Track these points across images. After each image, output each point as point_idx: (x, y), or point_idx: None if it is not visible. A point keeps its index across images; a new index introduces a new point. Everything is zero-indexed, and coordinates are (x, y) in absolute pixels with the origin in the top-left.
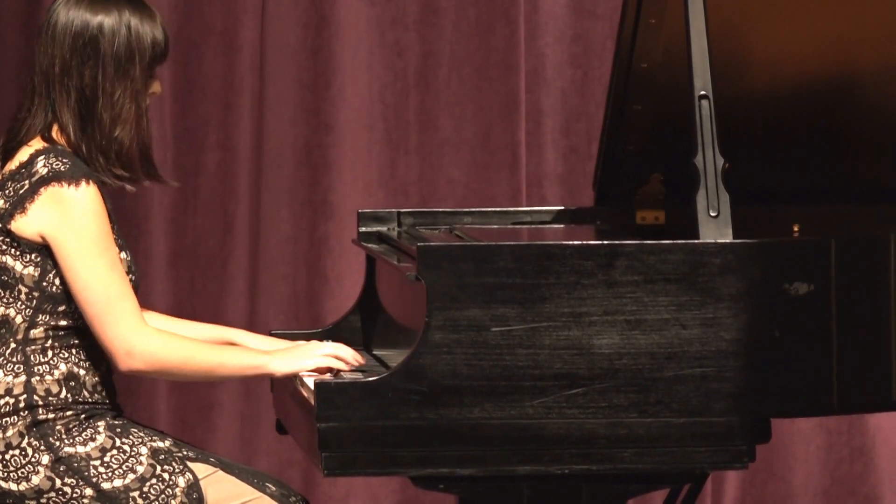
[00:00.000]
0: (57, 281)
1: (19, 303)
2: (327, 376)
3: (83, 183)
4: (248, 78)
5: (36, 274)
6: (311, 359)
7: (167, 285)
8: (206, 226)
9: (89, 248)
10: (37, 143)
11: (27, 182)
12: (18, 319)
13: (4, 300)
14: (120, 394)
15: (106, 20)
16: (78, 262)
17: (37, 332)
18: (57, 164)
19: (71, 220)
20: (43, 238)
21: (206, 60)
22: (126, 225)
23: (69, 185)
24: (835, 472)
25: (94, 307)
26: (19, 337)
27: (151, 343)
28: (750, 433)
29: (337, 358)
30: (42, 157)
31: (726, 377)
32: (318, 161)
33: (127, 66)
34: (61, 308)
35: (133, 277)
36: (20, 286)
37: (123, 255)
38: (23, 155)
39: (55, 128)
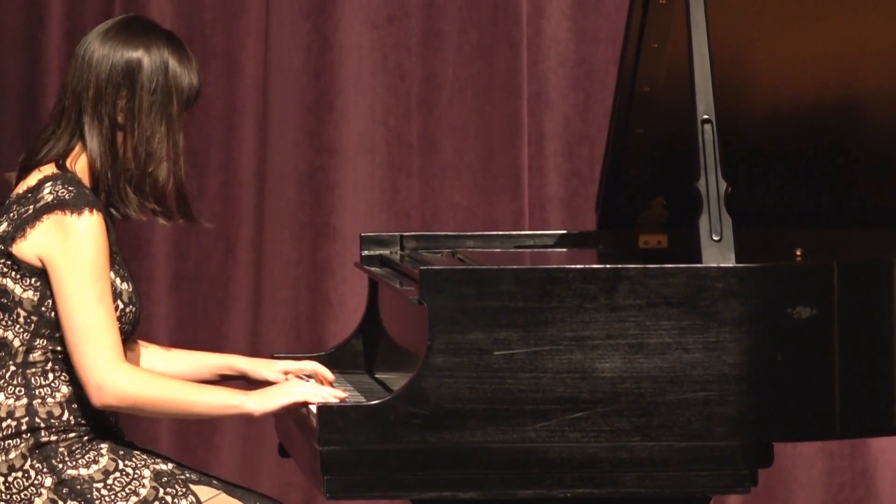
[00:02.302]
0: (55, 307)
1: (17, 326)
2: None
3: (86, 211)
4: (250, 101)
5: (35, 298)
6: (288, 396)
7: (169, 308)
8: (209, 248)
9: (81, 275)
10: (48, 170)
11: (31, 207)
12: (16, 343)
13: (3, 323)
14: (122, 416)
15: (145, 51)
16: (68, 288)
17: (35, 356)
18: (63, 192)
19: (69, 245)
20: (41, 261)
21: (208, 83)
22: (128, 248)
23: (72, 213)
24: (837, 496)
25: (75, 336)
26: (18, 360)
27: (123, 379)
28: (752, 457)
29: (316, 394)
30: (50, 183)
31: (728, 401)
32: (321, 184)
33: (164, 104)
34: (58, 333)
35: (134, 309)
36: (19, 309)
37: (125, 285)
38: (32, 180)
39: (72, 155)
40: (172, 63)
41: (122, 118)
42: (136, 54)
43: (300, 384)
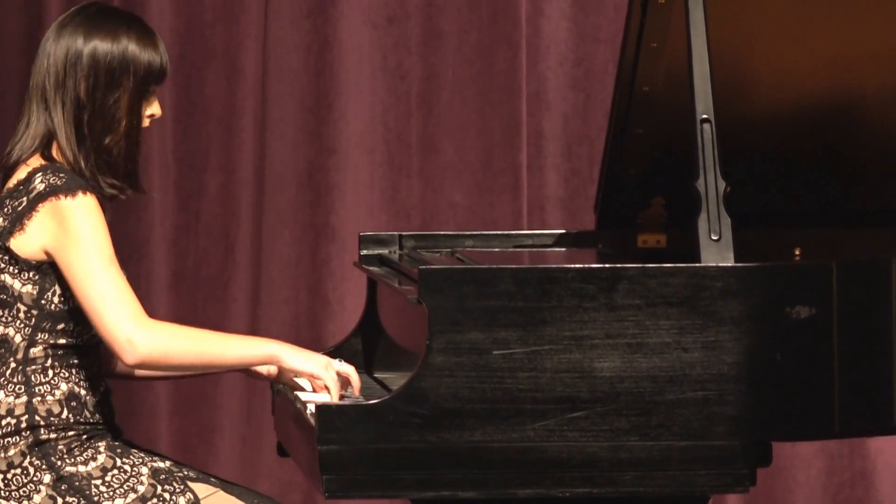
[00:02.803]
0: (56, 299)
1: (18, 321)
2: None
3: (79, 193)
4: (250, 101)
5: (34, 292)
6: (320, 367)
7: (168, 308)
8: (208, 248)
9: (86, 247)
10: (35, 162)
11: (25, 199)
12: (18, 338)
13: (3, 319)
14: (120, 415)
15: (99, 32)
16: (76, 263)
17: (36, 351)
18: (54, 180)
19: (68, 225)
20: (46, 253)
21: (208, 83)
22: (127, 247)
23: (66, 196)
24: (836, 496)
25: (93, 303)
26: (19, 356)
27: (153, 329)
28: (751, 457)
29: (344, 380)
30: (39, 174)
31: (728, 401)
32: (320, 184)
33: (120, 77)
34: (60, 326)
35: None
36: (19, 304)
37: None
38: (21, 173)
39: (55, 146)
40: (129, 39)
41: (84, 100)
42: (93, 36)
43: (333, 365)
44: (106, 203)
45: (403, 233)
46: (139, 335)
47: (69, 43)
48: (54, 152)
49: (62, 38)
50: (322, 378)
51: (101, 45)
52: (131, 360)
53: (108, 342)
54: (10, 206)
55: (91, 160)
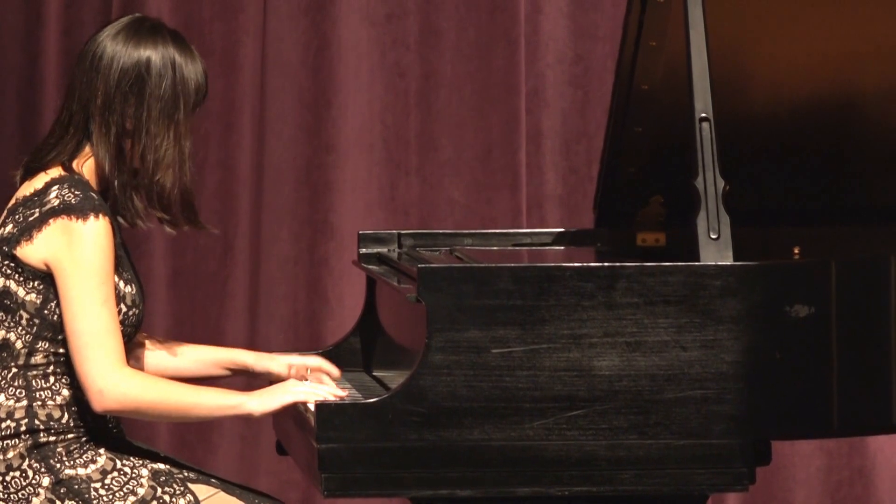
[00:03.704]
0: (58, 310)
1: (20, 328)
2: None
3: (91, 217)
4: (248, 98)
5: (38, 301)
6: (288, 395)
7: (167, 305)
8: (207, 246)
9: (86, 280)
10: (54, 172)
11: (37, 210)
12: (19, 345)
13: (6, 324)
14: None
15: (153, 56)
16: (72, 292)
17: (37, 358)
18: (69, 196)
19: (74, 250)
20: (47, 265)
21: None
22: (126, 245)
23: (78, 218)
24: (835, 494)
25: (78, 340)
26: (20, 362)
27: (124, 384)
28: (750, 455)
29: (315, 393)
30: (56, 186)
31: (726, 399)
32: (319, 181)
33: (172, 110)
34: (60, 336)
35: (137, 311)
36: (22, 311)
37: (129, 288)
38: (38, 182)
39: (79, 156)
40: (180, 66)
41: (130, 125)
42: (145, 54)
43: (299, 384)
44: (117, 225)
45: (402, 231)
46: (111, 388)
47: (121, 61)
48: (76, 163)
49: (112, 53)
50: (300, 399)
51: (154, 69)
52: (98, 409)
53: (81, 385)
54: (21, 215)
55: (129, 189)
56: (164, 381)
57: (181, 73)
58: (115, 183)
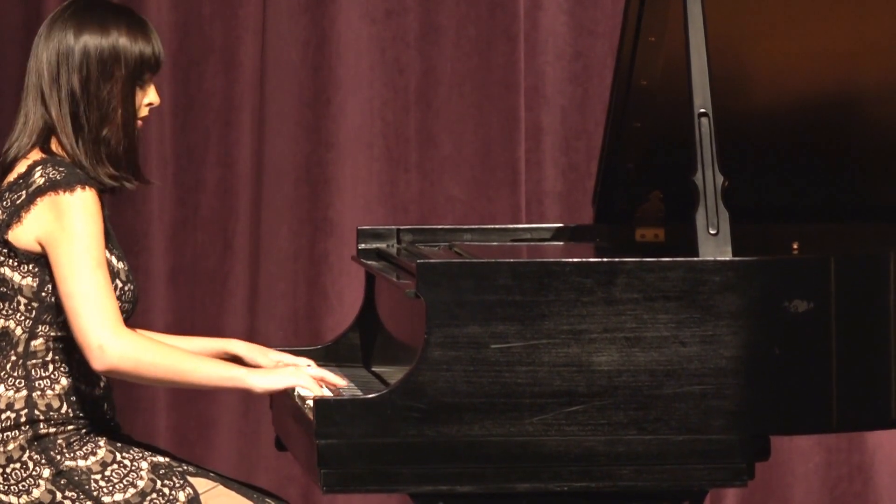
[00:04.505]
0: (55, 291)
1: (18, 314)
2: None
3: (78, 188)
4: (248, 95)
5: (34, 284)
6: (290, 378)
7: (167, 302)
8: (206, 242)
9: (77, 245)
10: (35, 156)
11: (24, 192)
12: (18, 331)
13: (4, 312)
14: (119, 409)
15: (89, 24)
16: (64, 258)
17: (37, 344)
18: (53, 174)
19: (64, 220)
20: (40, 244)
21: (206, 77)
22: (126, 241)
23: (65, 191)
24: (834, 489)
25: (73, 301)
26: (20, 349)
27: (124, 340)
28: (749, 451)
29: (317, 380)
30: (39, 167)
31: (725, 395)
32: (318, 178)
33: (112, 67)
34: (61, 318)
35: (132, 287)
36: (19, 297)
37: (121, 264)
38: (21, 167)
39: (54, 140)
40: (118, 31)
41: (78, 94)
42: (83, 30)
43: (305, 368)
44: (105, 197)
45: (402, 227)
46: (111, 343)
47: (60, 39)
48: (53, 146)
49: (53, 35)
50: (303, 383)
51: (92, 40)
52: (99, 367)
53: (80, 344)
54: (8, 200)
55: (90, 151)
56: (164, 344)
57: (124, 38)
58: (80, 151)
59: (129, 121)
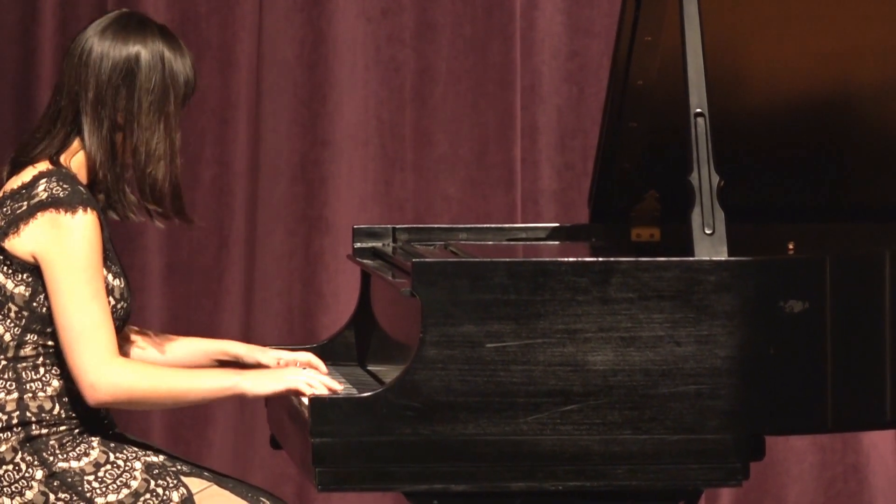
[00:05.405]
0: (47, 303)
1: (8, 321)
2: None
3: (80, 210)
4: (244, 93)
5: (27, 294)
6: (283, 382)
7: (162, 300)
8: (202, 240)
9: (75, 274)
10: (42, 165)
11: (25, 203)
12: (7, 337)
13: None
14: (114, 408)
15: (142, 51)
16: (62, 286)
17: (26, 351)
18: (57, 190)
19: (63, 244)
20: (35, 258)
21: (202, 76)
22: (121, 239)
23: (66, 211)
24: (828, 489)
25: (68, 334)
26: (9, 354)
27: (116, 375)
28: (744, 451)
29: (310, 385)
30: (44, 180)
31: (721, 394)
32: (314, 176)
33: (162, 103)
34: (50, 329)
35: (125, 305)
36: (10, 304)
37: (117, 281)
38: (26, 175)
39: (67, 151)
40: (169, 60)
41: (121, 119)
42: (134, 49)
43: (297, 371)
44: (105, 219)
45: (397, 226)
46: (102, 381)
47: (111, 56)
48: (64, 158)
49: (101, 49)
50: (294, 387)
51: (144, 63)
52: (92, 403)
53: (73, 379)
54: (9, 208)
55: (121, 182)
56: (155, 368)
57: (170, 67)
58: (108, 177)
59: (176, 156)
